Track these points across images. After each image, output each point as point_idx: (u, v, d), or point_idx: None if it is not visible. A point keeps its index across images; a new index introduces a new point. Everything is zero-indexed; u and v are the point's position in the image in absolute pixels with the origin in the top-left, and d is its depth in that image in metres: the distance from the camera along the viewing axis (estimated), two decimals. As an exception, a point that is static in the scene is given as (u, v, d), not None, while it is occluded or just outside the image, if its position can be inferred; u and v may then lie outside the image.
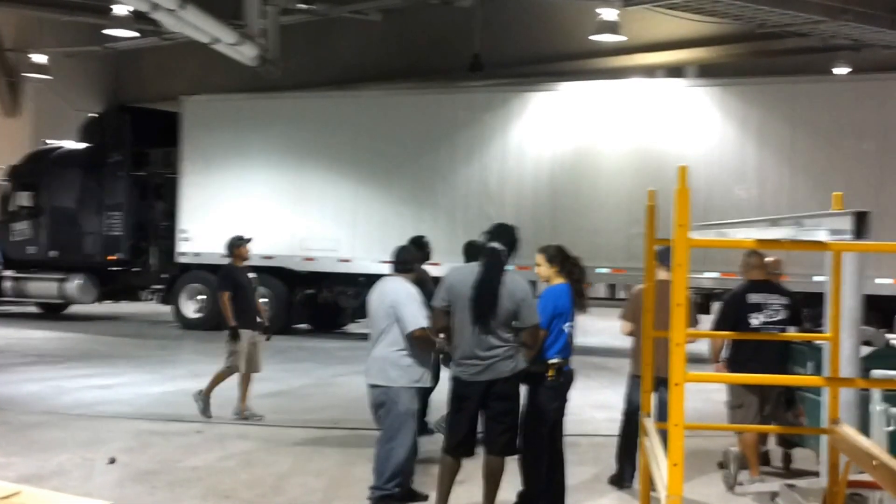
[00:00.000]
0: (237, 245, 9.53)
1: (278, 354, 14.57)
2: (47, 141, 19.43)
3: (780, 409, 7.37)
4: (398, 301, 6.26)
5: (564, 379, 6.31)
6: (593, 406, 10.20)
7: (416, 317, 6.21)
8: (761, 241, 3.81)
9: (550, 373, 6.20)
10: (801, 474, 7.38)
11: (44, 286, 18.22)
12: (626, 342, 7.29)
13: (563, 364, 6.27)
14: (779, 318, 7.12)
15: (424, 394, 7.54)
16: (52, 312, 19.10)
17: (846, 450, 4.60)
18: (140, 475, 7.25)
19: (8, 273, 18.30)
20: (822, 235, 3.52)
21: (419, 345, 6.24)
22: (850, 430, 4.74)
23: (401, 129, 15.92)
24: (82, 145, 18.79)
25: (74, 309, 19.15)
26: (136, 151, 18.12)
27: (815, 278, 11.90)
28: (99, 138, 18.49)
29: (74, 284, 17.95)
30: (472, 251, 8.31)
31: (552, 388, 6.24)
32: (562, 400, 6.37)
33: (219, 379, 9.35)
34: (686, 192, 3.47)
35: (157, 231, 17.77)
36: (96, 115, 19.55)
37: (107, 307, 19.39)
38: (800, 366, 7.34)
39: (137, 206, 18.03)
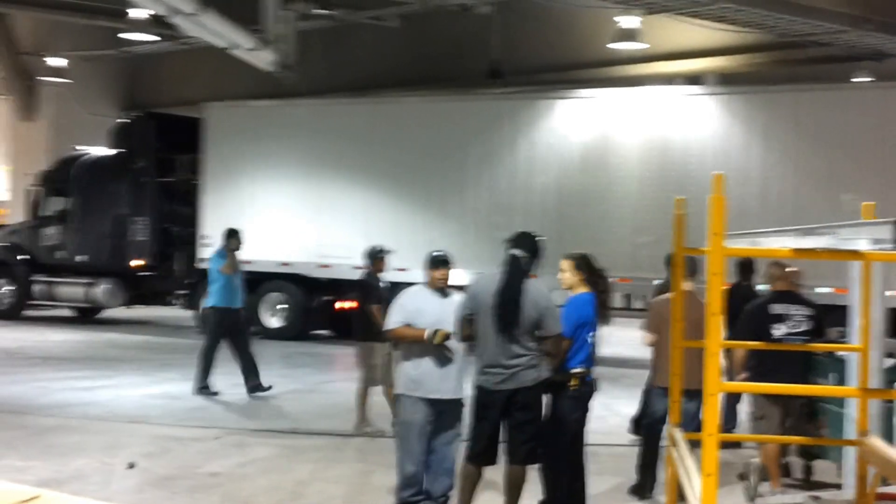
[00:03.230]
0: (378, 256, 9.37)
1: (288, 359, 14.68)
2: (77, 147, 19.51)
3: (803, 421, 7.32)
4: None
5: (587, 389, 6.29)
6: (613, 416, 10.15)
7: (388, 320, 6.32)
8: (797, 251, 3.75)
9: (574, 382, 6.18)
10: (821, 486, 7.34)
11: (72, 290, 18.38)
12: (642, 352, 7.25)
13: (586, 374, 6.25)
14: (802, 329, 7.07)
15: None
16: (86, 316, 19.30)
17: (876, 462, 4.57)
18: (159, 480, 7.27)
19: (38, 277, 18.53)
20: (863, 245, 3.48)
21: (404, 346, 6.29)
22: (879, 442, 4.70)
23: (414, 136, 15.91)
24: (110, 151, 18.89)
25: (108, 313, 19.33)
26: (162, 157, 18.21)
27: (818, 290, 11.86)
28: (125, 144, 18.61)
29: (102, 289, 18.10)
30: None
31: (574, 398, 6.22)
32: (584, 410, 6.34)
33: (363, 397, 9.13)
34: (721, 200, 3.44)
35: (182, 236, 17.84)
36: (123, 122, 19.64)
37: (138, 311, 19.52)
38: (821, 377, 7.30)
39: (163, 212, 18.12)
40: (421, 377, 6.20)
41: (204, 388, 10.97)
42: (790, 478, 7.56)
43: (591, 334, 6.26)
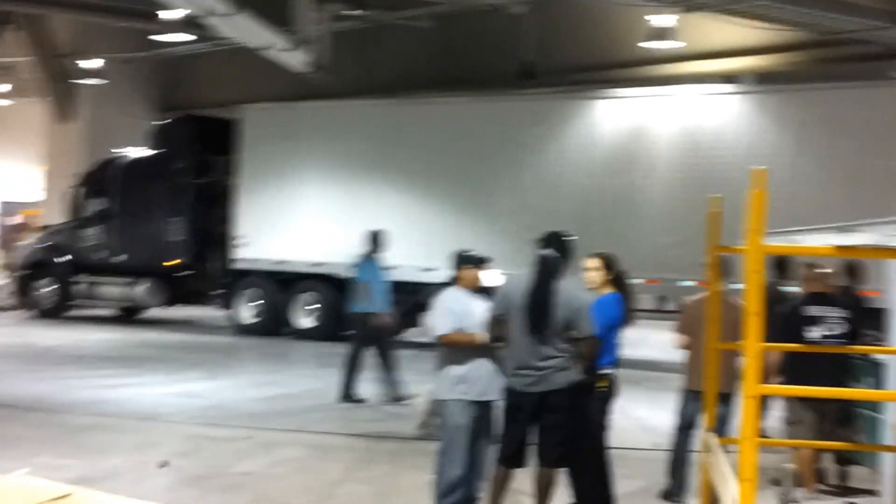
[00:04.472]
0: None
1: (318, 359, 14.67)
2: (117, 148, 19.76)
3: (838, 426, 7.22)
4: (431, 311, 6.27)
5: (610, 390, 6.27)
6: (639, 419, 10.09)
7: (437, 325, 6.15)
8: (839, 248, 3.65)
9: (603, 383, 6.15)
10: (857, 492, 7.25)
11: (112, 290, 18.69)
12: (672, 355, 7.18)
13: (614, 375, 6.23)
14: (838, 331, 6.97)
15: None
16: (128, 315, 19.60)
17: None
18: (192, 479, 7.31)
19: (80, 277, 18.85)
20: None
21: (447, 349, 6.13)
22: None
23: (446, 137, 15.90)
24: (149, 153, 19.13)
25: (149, 313, 19.61)
26: (199, 159, 18.40)
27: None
28: (163, 146, 18.84)
29: (142, 288, 18.36)
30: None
31: (601, 400, 6.20)
32: (607, 411, 6.33)
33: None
34: (762, 195, 3.35)
35: (218, 237, 17.99)
36: (161, 123, 19.85)
37: (178, 311, 19.76)
38: (857, 381, 7.19)
39: (200, 213, 18.29)
40: (473, 380, 6.10)
41: (348, 396, 10.74)
42: (825, 483, 7.45)
43: (616, 336, 6.24)
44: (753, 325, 3.43)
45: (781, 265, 9.19)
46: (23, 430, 8.95)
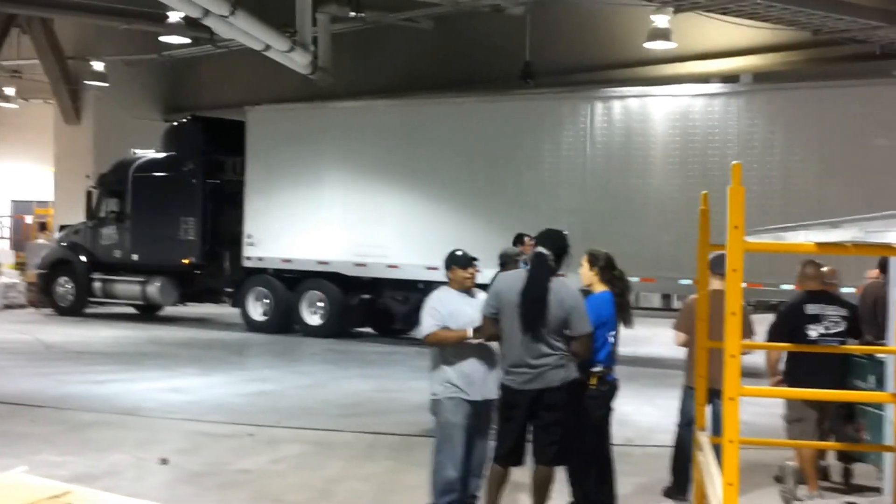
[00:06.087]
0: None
1: (317, 356, 14.83)
2: (134, 150, 20.10)
3: (840, 423, 7.19)
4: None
5: (608, 388, 6.24)
6: (624, 414, 10.04)
7: (422, 325, 6.15)
8: (821, 245, 3.51)
9: (593, 381, 6.13)
10: (861, 490, 7.22)
11: (128, 288, 19.13)
12: (677, 352, 7.16)
13: (607, 373, 6.20)
14: (838, 329, 6.93)
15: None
16: (146, 313, 20.02)
17: None
18: (190, 477, 7.32)
19: (97, 275, 19.33)
20: (892, 238, 3.27)
21: (440, 349, 6.13)
22: None
23: (446, 137, 15.99)
24: (162, 154, 19.45)
25: (167, 310, 20.04)
26: (210, 160, 18.70)
27: (784, 286, 11.78)
28: (175, 147, 19.18)
29: (155, 286, 18.72)
30: (504, 259, 8.32)
31: (595, 398, 6.18)
32: (607, 409, 6.30)
33: None
34: (740, 191, 3.23)
35: (230, 236, 18.25)
36: (173, 125, 20.12)
37: (195, 309, 20.16)
38: (860, 379, 7.15)
39: (212, 212, 18.62)
40: (468, 379, 6.09)
41: None
42: (828, 481, 7.43)
43: (611, 333, 6.20)
44: (733, 324, 3.31)
45: None
46: (23, 426, 8.99)
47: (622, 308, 6.32)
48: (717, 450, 4.89)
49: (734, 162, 3.32)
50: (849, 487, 7.33)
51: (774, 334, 7.13)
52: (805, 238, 3.67)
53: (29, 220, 28.86)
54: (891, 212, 3.14)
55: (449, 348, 6.12)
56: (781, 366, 7.21)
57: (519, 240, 10.15)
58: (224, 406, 10.33)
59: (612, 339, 6.22)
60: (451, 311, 6.14)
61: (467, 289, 6.29)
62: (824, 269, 7.31)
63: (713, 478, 4.15)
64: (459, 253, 6.35)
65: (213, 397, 10.88)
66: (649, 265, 13.50)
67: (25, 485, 7.07)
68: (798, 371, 6.89)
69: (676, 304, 22.50)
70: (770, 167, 13.29)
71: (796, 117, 13.40)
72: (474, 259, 6.35)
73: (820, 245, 3.48)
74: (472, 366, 6.11)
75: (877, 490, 6.88)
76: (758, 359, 9.86)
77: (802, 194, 12.83)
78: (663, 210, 13.99)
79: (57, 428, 8.95)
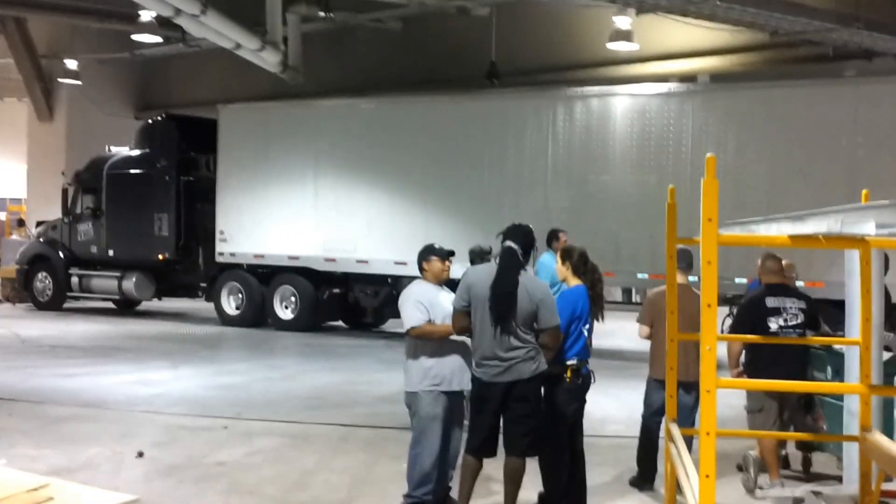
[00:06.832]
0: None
1: (289, 350, 14.96)
2: (99, 147, 20.13)
3: (800, 413, 7.31)
4: (400, 304, 6.33)
5: (582, 381, 6.34)
6: (613, 408, 10.26)
7: (408, 318, 6.20)
8: (794, 238, 3.52)
9: (567, 374, 6.25)
10: (820, 478, 7.34)
11: (105, 283, 19.34)
12: (639, 344, 7.27)
13: (581, 366, 6.29)
14: (797, 322, 7.04)
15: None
16: (125, 308, 20.27)
17: (879, 459, 4.42)
18: (167, 469, 7.36)
19: (75, 270, 19.56)
20: (868, 229, 3.15)
21: (416, 341, 6.21)
22: (883, 439, 4.54)
23: (411, 136, 16.16)
24: (136, 152, 19.52)
25: (145, 305, 20.29)
26: (184, 157, 18.81)
27: (738, 280, 12.14)
28: (149, 145, 19.27)
29: (130, 282, 18.94)
30: (473, 256, 8.52)
31: (570, 391, 6.27)
32: (580, 401, 6.40)
33: None
34: (714, 183, 3.21)
35: (204, 232, 18.41)
36: (147, 123, 20.17)
37: (173, 304, 20.36)
38: (819, 371, 7.29)
39: (185, 209, 18.73)
40: (447, 372, 6.18)
41: None
42: (789, 469, 7.57)
43: (585, 327, 6.30)
44: (709, 316, 3.29)
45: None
46: (0, 420, 9.01)
47: (593, 302, 6.43)
48: (686, 440, 5.00)
49: (708, 154, 3.32)
50: (808, 476, 7.46)
51: (738, 327, 7.28)
52: (778, 231, 3.66)
53: (2, 216, 28.62)
54: (870, 203, 3.18)
55: (430, 343, 6.20)
56: (742, 358, 7.38)
57: (554, 235, 10.50)
58: (189, 398, 10.39)
59: (586, 333, 6.31)
60: (431, 303, 6.24)
61: (443, 282, 6.41)
62: (784, 262, 7.48)
63: (687, 469, 4.16)
64: (437, 246, 6.46)
65: (180, 390, 10.95)
66: (609, 260, 13.72)
67: (3, 478, 7.16)
68: (759, 362, 6.98)
69: (636, 297, 22.89)
70: (723, 164, 13.52)
71: (749, 116, 13.67)
72: (451, 253, 6.48)
73: (793, 238, 3.48)
74: (451, 359, 6.20)
75: (837, 479, 7.01)
76: (720, 351, 10.11)
77: (753, 191, 13.10)
78: (621, 206, 14.26)
79: (34, 422, 8.96)
